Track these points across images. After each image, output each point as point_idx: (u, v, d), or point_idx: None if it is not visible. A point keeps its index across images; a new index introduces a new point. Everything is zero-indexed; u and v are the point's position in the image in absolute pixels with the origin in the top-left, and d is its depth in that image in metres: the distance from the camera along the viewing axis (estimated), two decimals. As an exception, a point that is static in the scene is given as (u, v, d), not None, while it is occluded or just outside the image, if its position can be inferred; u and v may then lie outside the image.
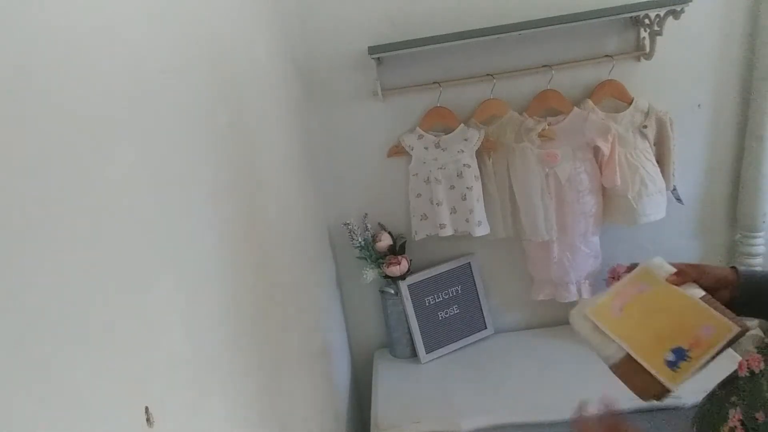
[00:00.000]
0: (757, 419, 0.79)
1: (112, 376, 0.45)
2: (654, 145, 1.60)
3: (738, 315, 0.85)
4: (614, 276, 1.87)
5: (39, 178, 0.40)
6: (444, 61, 1.60)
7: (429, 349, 1.74)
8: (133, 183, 0.54)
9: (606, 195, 1.63)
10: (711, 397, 0.93)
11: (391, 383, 1.66)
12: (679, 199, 1.66)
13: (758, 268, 1.00)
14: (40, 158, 0.41)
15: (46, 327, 0.38)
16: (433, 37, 1.45)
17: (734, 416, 0.83)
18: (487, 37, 1.44)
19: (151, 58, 0.63)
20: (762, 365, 0.82)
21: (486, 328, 1.82)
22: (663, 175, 1.59)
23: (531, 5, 1.53)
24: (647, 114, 1.59)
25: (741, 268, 0.95)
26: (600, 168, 1.59)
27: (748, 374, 0.84)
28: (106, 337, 0.46)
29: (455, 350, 1.77)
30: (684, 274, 0.92)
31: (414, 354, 1.76)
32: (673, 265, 0.94)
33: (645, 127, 1.58)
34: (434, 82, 1.59)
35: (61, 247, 0.41)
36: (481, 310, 1.81)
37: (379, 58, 1.52)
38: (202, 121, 0.77)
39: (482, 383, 1.58)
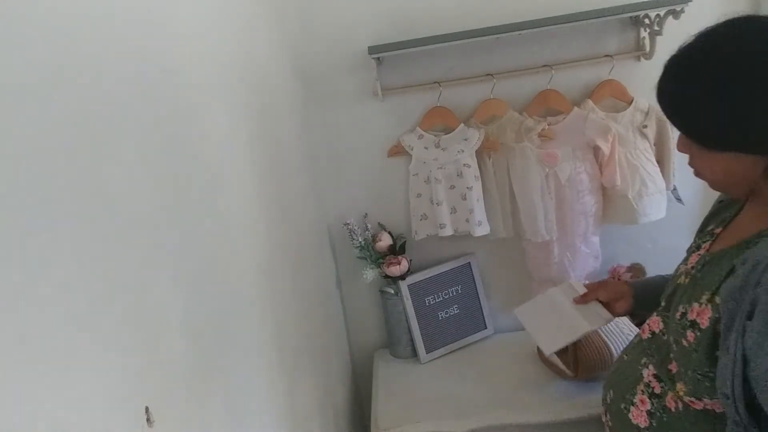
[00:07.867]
0: (670, 370, 0.90)
1: (112, 376, 0.45)
2: (654, 145, 1.60)
3: (640, 315, 1.11)
4: (615, 276, 1.87)
5: (39, 177, 0.40)
6: (444, 61, 1.60)
7: (429, 349, 1.74)
8: (133, 183, 0.54)
9: (606, 195, 1.63)
10: (620, 362, 1.07)
11: (391, 383, 1.66)
12: (679, 199, 1.66)
13: (650, 275, 1.27)
14: (40, 158, 0.41)
15: (47, 326, 0.38)
16: (433, 37, 1.45)
17: (648, 374, 0.95)
18: (487, 37, 1.44)
19: (150, 57, 0.63)
20: (661, 325, 0.96)
21: (486, 328, 1.82)
22: (663, 175, 1.59)
23: (531, 5, 1.53)
24: (647, 114, 1.59)
25: (631, 282, 1.19)
26: (600, 168, 1.59)
27: (650, 336, 0.98)
28: (106, 337, 0.46)
29: (455, 350, 1.77)
30: (590, 294, 1.19)
31: (414, 354, 1.76)
32: (585, 285, 1.23)
33: (645, 126, 1.58)
34: (434, 82, 1.59)
35: (61, 246, 0.41)
36: (481, 310, 1.81)
37: (379, 58, 1.52)
38: (201, 121, 0.77)
39: (482, 383, 1.58)
